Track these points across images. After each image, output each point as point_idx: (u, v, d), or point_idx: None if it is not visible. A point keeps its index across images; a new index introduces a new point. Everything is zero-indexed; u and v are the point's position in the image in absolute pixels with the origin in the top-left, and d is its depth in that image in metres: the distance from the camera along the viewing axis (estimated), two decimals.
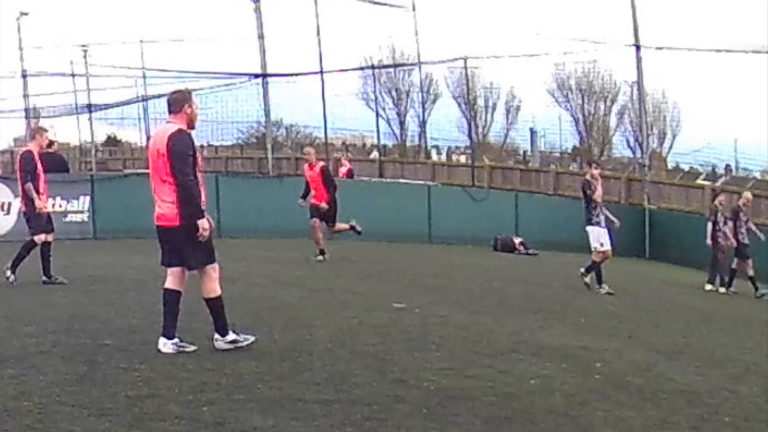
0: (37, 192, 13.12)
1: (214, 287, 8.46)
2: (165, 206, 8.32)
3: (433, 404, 7.01)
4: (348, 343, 9.27)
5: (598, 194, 16.38)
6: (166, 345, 8.33)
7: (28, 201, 13.16)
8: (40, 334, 8.91)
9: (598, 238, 16.41)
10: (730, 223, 20.18)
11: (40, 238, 13.20)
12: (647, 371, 9.14)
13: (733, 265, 20.07)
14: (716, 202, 20.76)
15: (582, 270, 16.49)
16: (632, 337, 11.48)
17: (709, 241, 20.22)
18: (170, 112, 8.49)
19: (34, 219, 13.23)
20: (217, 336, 8.47)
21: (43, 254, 13.21)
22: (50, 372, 7.27)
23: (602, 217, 16.48)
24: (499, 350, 9.47)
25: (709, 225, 20.29)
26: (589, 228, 16.54)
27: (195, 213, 8.28)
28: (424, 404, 6.98)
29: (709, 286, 20.11)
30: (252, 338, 8.67)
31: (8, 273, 13.02)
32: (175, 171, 8.20)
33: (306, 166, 18.59)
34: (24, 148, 13.65)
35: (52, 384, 6.87)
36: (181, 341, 8.40)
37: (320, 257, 18.07)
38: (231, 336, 8.54)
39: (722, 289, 19.81)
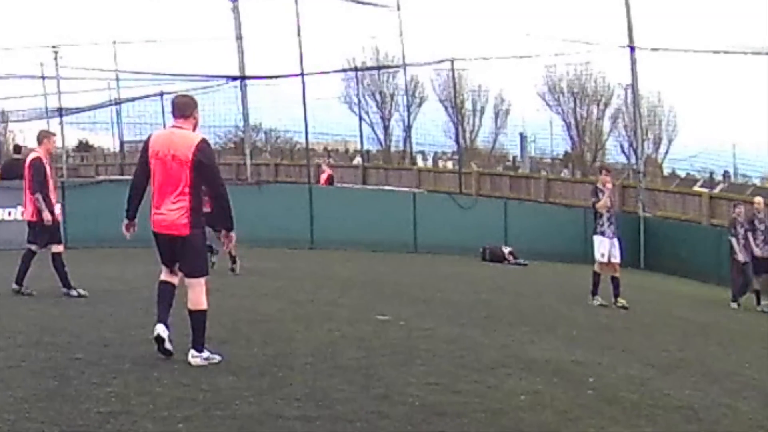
0: (47, 201, 13.08)
1: (201, 300, 8.54)
2: (172, 214, 8.41)
3: (419, 421, 7.03)
4: (330, 357, 9.29)
5: (602, 203, 16.49)
6: (164, 330, 8.50)
7: (38, 211, 13.10)
8: (8, 347, 8.88)
9: (599, 248, 16.54)
10: (750, 235, 19.94)
11: (59, 248, 13.19)
12: (642, 386, 9.19)
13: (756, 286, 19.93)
14: (734, 213, 20.50)
15: (617, 300, 16.53)
16: (626, 351, 11.54)
17: (742, 258, 19.99)
18: (179, 116, 8.64)
19: (50, 229, 13.17)
20: (193, 352, 8.48)
21: (27, 262, 13.15)
22: (19, 387, 7.25)
23: (608, 227, 16.57)
24: (487, 364, 9.50)
25: (733, 240, 20.02)
26: (593, 237, 16.73)
27: (231, 223, 8.80)
28: (409, 421, 7.00)
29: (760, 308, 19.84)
30: (218, 358, 8.71)
31: (72, 292, 12.98)
32: (212, 184, 8.56)
33: None
34: (32, 155, 13.44)
35: (21, 400, 6.86)
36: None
37: (236, 266, 17.09)
38: (207, 353, 8.57)
39: (733, 305, 19.59)
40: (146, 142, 8.68)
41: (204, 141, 8.55)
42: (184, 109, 8.66)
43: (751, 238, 19.82)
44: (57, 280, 13.05)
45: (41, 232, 13.13)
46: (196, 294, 8.51)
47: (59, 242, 13.26)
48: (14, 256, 13.53)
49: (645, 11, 50.66)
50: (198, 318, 8.52)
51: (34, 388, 7.27)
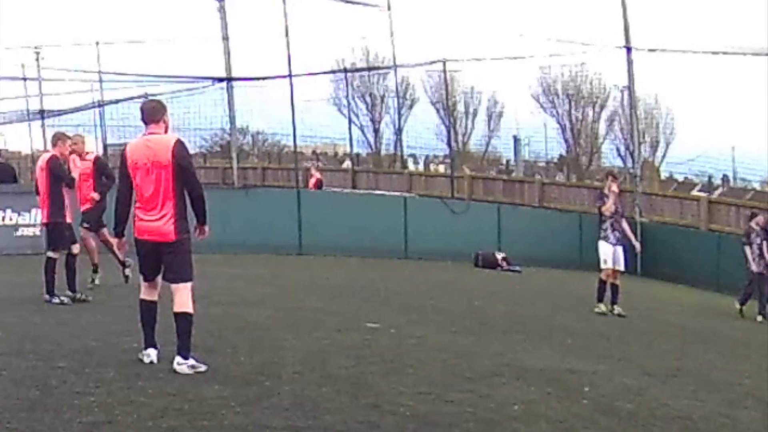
0: (63, 201, 13.00)
1: (188, 302, 8.58)
2: (160, 221, 8.49)
3: (410, 431, 7.04)
4: (318, 365, 9.29)
5: (608, 206, 16.62)
6: (157, 356, 8.71)
7: (57, 210, 12.99)
8: None
9: (602, 254, 16.68)
10: (765, 244, 19.95)
11: (56, 254, 13.08)
12: (638, 396, 9.20)
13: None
14: (752, 223, 20.46)
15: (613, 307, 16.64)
16: (623, 360, 11.55)
17: (755, 268, 19.90)
18: (151, 121, 8.72)
19: (66, 231, 13.11)
20: (179, 359, 8.47)
21: (71, 268, 13.14)
22: (0, 397, 7.26)
23: (612, 233, 16.70)
24: (480, 373, 9.51)
25: (747, 249, 20.03)
26: (598, 242, 16.96)
27: (205, 217, 8.83)
28: (400, 431, 7.01)
29: (760, 318, 19.78)
30: (204, 367, 8.68)
31: (54, 299, 12.83)
32: (191, 184, 8.58)
33: (75, 157, 15.41)
34: (47, 155, 13.30)
35: (2, 410, 6.86)
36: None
37: (96, 276, 15.44)
38: (192, 360, 8.57)
39: (759, 318, 19.48)
40: (123, 156, 8.75)
41: (179, 141, 8.65)
42: (153, 114, 8.74)
43: (764, 248, 19.82)
44: (41, 285, 12.99)
45: (55, 233, 13.03)
46: (183, 296, 8.53)
47: (57, 249, 13.12)
48: None
49: (642, 11, 50.70)
50: (184, 321, 8.52)
51: (15, 397, 7.27)
